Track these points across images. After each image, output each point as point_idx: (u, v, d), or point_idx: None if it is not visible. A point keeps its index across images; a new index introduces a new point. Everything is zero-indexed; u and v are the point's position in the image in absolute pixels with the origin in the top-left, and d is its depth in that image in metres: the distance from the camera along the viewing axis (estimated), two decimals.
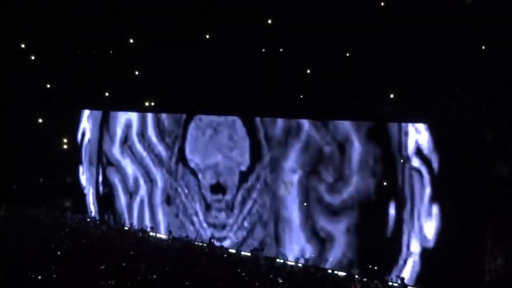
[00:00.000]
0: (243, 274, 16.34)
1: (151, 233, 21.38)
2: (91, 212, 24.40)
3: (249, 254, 18.71)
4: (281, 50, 19.68)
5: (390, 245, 16.65)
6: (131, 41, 21.89)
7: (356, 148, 17.30)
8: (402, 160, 16.32)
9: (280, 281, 15.71)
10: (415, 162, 16.19)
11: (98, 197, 24.28)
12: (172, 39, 20.93)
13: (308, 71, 19.13)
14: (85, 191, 24.80)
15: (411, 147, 16.26)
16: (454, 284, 15.36)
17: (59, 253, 18.04)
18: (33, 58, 23.66)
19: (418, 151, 16.13)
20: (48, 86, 24.12)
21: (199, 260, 17.43)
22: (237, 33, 19.62)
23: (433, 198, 15.91)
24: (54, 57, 23.35)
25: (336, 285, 15.72)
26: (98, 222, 22.85)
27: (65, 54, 23.22)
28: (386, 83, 17.67)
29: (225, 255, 18.28)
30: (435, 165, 15.83)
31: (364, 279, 16.36)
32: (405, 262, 16.46)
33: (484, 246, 15.25)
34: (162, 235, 21.50)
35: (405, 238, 16.48)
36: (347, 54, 18.48)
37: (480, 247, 15.25)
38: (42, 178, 25.06)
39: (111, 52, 22.94)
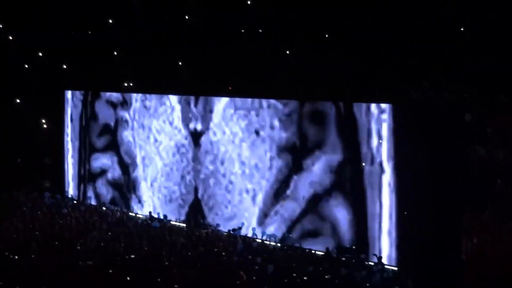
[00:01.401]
0: (223, 254, 16.37)
1: (130, 213, 21.33)
2: (69, 193, 24.28)
3: (226, 233, 18.71)
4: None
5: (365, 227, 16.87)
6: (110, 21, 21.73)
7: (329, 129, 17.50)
8: (380, 141, 16.44)
9: (259, 260, 15.74)
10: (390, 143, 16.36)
11: (79, 178, 24.21)
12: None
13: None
14: (66, 172, 24.67)
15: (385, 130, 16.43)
16: (433, 265, 15.49)
17: (37, 233, 17.99)
18: (11, 38, 23.44)
19: (394, 133, 16.30)
20: (26, 66, 23.90)
21: (178, 240, 17.42)
22: None
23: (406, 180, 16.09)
24: (32, 38, 23.10)
25: (314, 263, 15.76)
26: (76, 202, 22.70)
27: (46, 35, 23.00)
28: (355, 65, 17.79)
29: (203, 235, 18.27)
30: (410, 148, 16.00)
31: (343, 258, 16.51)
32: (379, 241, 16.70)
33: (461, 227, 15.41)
34: (141, 215, 21.47)
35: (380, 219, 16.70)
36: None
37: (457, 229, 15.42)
38: (20, 159, 24.83)
39: (89, 32, 22.72)
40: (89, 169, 23.90)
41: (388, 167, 16.48)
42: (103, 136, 23.34)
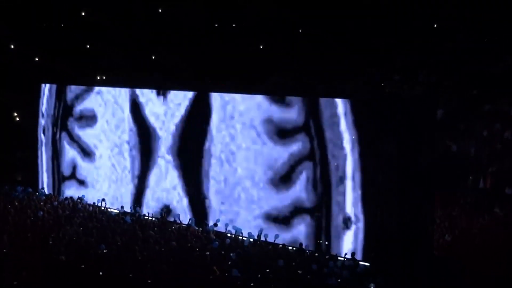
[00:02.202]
0: (197, 249, 16.37)
1: (102, 207, 21.23)
2: (43, 187, 24.12)
3: (200, 229, 18.70)
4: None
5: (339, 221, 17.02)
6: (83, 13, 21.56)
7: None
8: (353, 137, 16.55)
9: (233, 256, 15.77)
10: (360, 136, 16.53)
11: (53, 171, 24.05)
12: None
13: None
14: (39, 165, 24.48)
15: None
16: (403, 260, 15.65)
17: (8, 227, 17.84)
18: None
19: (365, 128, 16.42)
20: None
21: (151, 234, 17.38)
22: None
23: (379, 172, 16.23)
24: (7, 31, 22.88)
25: (288, 259, 15.84)
26: (49, 196, 22.54)
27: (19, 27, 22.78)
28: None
29: (176, 230, 18.25)
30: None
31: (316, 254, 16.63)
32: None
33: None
34: (114, 209, 21.39)
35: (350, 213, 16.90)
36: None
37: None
38: None
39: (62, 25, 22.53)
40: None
41: (354, 162, 16.65)
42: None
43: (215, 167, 19.41)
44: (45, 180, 24.30)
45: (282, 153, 17.91)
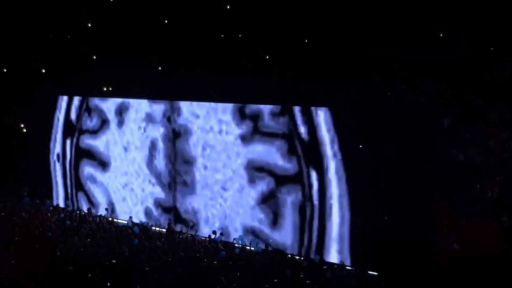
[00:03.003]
0: (205, 260, 16.38)
1: (110, 218, 21.27)
2: (50, 198, 24.14)
3: (207, 239, 18.72)
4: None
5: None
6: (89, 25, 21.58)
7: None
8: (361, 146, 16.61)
9: (239, 265, 15.79)
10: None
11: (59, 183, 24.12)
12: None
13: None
14: (46, 177, 24.52)
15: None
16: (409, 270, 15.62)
17: (16, 238, 17.88)
18: None
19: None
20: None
21: (158, 245, 17.40)
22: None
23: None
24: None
25: (295, 268, 15.85)
26: (56, 208, 22.56)
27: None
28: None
29: (184, 240, 18.27)
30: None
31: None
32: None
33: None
34: (122, 220, 21.44)
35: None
36: None
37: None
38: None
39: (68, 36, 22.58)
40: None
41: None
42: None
43: None
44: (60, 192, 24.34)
45: None
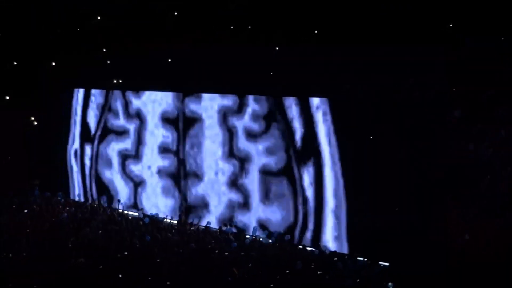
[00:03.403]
0: (216, 251, 16.41)
1: (120, 210, 21.29)
2: (60, 191, 24.16)
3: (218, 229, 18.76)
4: None
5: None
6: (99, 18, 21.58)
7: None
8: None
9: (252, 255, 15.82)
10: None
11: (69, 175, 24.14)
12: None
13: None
14: (57, 169, 24.56)
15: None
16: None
17: (27, 230, 17.97)
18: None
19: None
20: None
21: (170, 237, 17.46)
22: None
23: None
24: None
25: (307, 260, 15.86)
26: (67, 200, 22.63)
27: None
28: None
29: (195, 232, 18.31)
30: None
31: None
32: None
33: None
34: (133, 212, 21.46)
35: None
36: None
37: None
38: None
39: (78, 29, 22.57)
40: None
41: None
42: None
43: None
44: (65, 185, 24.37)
45: None
